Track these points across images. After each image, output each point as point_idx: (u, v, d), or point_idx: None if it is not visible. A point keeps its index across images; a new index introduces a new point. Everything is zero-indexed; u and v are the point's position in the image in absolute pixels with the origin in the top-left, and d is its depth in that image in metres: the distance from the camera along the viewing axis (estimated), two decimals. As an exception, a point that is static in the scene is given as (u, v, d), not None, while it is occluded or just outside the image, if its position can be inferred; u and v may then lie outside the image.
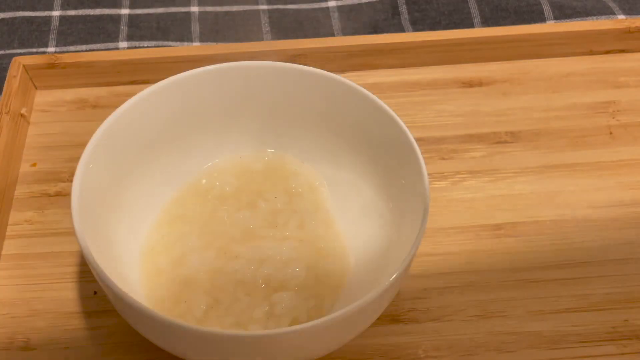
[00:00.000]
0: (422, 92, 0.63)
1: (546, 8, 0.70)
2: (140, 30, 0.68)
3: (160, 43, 0.67)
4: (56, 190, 0.55)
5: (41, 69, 0.61)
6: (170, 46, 0.67)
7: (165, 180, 0.50)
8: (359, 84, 0.50)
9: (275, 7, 0.71)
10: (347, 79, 0.50)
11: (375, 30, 0.69)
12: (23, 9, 0.69)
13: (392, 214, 0.48)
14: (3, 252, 0.52)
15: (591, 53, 0.66)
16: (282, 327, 0.42)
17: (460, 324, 0.48)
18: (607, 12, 0.69)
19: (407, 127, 0.47)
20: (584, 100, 0.62)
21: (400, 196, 0.48)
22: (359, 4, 0.72)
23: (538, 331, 0.48)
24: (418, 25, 0.70)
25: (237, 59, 0.52)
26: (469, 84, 0.63)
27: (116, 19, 0.69)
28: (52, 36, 0.67)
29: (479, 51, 0.64)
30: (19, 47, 0.66)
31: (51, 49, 0.66)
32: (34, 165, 0.57)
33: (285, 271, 0.45)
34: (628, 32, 0.64)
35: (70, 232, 0.41)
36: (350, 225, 0.49)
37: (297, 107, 0.52)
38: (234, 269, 0.45)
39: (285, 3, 0.71)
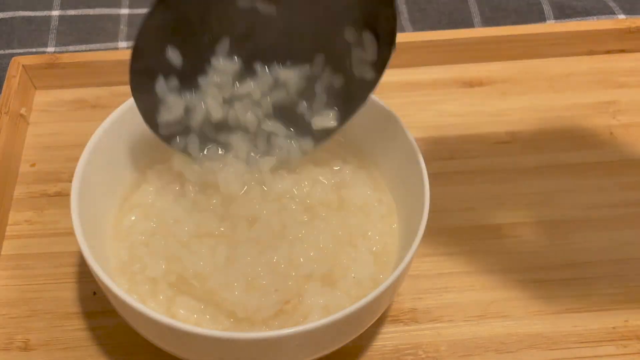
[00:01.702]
0: (422, 92, 0.63)
1: (546, 8, 0.70)
2: (139, 30, 0.68)
3: (160, 43, 0.67)
4: (56, 190, 0.55)
5: (40, 69, 0.61)
6: (169, 46, 0.67)
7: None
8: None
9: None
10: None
11: (375, 30, 0.69)
12: (22, 9, 0.69)
13: (391, 214, 0.48)
14: (2, 253, 0.51)
15: (591, 53, 0.65)
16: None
17: (460, 324, 0.48)
18: (607, 12, 0.69)
19: (407, 127, 0.47)
20: (584, 100, 0.62)
21: (400, 196, 0.48)
22: (359, 4, 0.71)
23: (538, 331, 0.48)
24: (418, 25, 0.70)
25: (237, 59, 0.52)
26: (469, 84, 0.63)
27: (115, 18, 0.69)
28: (52, 36, 0.67)
29: (479, 51, 0.64)
30: (18, 47, 0.66)
31: (50, 49, 0.66)
32: (34, 165, 0.57)
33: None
34: (628, 32, 0.64)
35: (70, 233, 0.41)
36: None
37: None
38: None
39: (285, 3, 0.71)
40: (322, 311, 0.42)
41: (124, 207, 0.47)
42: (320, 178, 0.48)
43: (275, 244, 0.44)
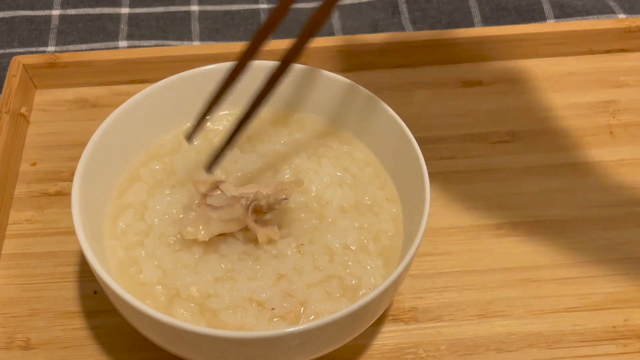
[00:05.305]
0: (423, 92, 0.63)
1: (546, 7, 0.70)
2: (140, 29, 0.68)
3: (160, 42, 0.67)
4: (56, 189, 0.55)
5: (41, 68, 0.61)
6: (170, 45, 0.67)
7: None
8: (359, 84, 0.50)
9: (275, 6, 0.71)
10: (347, 79, 0.50)
11: (376, 29, 0.69)
12: (23, 8, 0.69)
13: (392, 214, 0.48)
14: (3, 252, 0.52)
15: (591, 52, 0.66)
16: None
17: (460, 323, 0.48)
18: (607, 11, 0.69)
19: (407, 127, 0.47)
20: (584, 100, 0.62)
21: (400, 196, 0.48)
22: (359, 3, 0.72)
23: (538, 331, 0.48)
24: (418, 24, 0.70)
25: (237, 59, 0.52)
26: (469, 84, 0.63)
27: (116, 18, 0.69)
28: (52, 35, 0.67)
29: (479, 51, 0.64)
30: (18, 47, 0.66)
31: (51, 48, 0.66)
32: (34, 164, 0.57)
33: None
34: (628, 32, 0.64)
35: (71, 232, 0.41)
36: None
37: (297, 106, 0.52)
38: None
39: (285, 2, 0.71)
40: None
41: (120, 206, 0.47)
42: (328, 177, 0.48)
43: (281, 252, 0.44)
